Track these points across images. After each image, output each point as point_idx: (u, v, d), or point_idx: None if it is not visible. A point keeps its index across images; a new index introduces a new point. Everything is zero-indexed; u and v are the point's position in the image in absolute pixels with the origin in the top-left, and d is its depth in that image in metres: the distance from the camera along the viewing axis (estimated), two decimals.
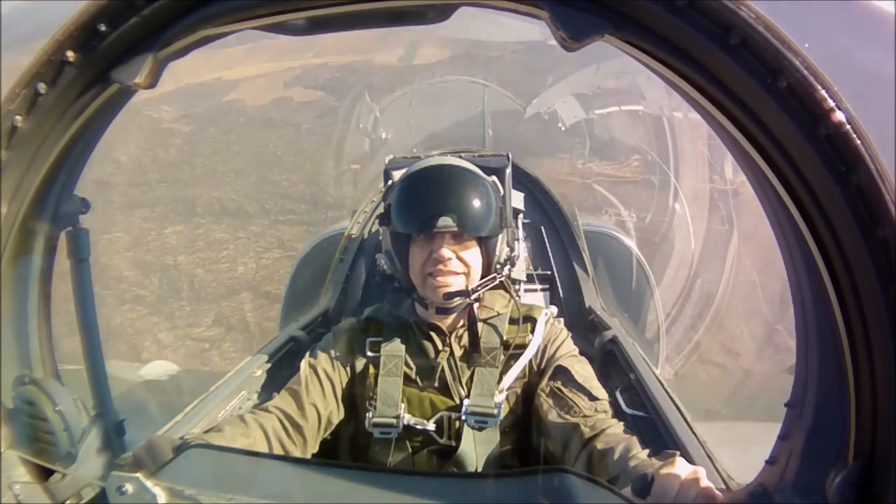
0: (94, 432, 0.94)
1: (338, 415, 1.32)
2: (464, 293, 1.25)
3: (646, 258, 2.93)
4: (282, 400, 1.26)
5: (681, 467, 0.79)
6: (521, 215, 2.07)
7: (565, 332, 1.37)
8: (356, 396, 1.33)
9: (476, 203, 1.25)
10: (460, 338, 1.32)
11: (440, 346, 1.31)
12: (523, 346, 1.29)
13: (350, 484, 0.78)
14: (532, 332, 1.31)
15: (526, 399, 1.30)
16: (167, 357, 6.45)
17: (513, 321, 1.34)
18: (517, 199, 2.03)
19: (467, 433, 1.24)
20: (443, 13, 0.75)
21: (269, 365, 1.72)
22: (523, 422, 1.30)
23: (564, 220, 2.72)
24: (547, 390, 1.24)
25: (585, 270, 2.50)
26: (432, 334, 1.31)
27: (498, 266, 1.33)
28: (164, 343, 6.68)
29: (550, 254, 2.57)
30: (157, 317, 7.01)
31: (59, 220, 0.90)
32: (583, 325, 2.21)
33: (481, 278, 1.30)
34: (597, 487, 0.74)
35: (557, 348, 1.31)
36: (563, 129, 7.13)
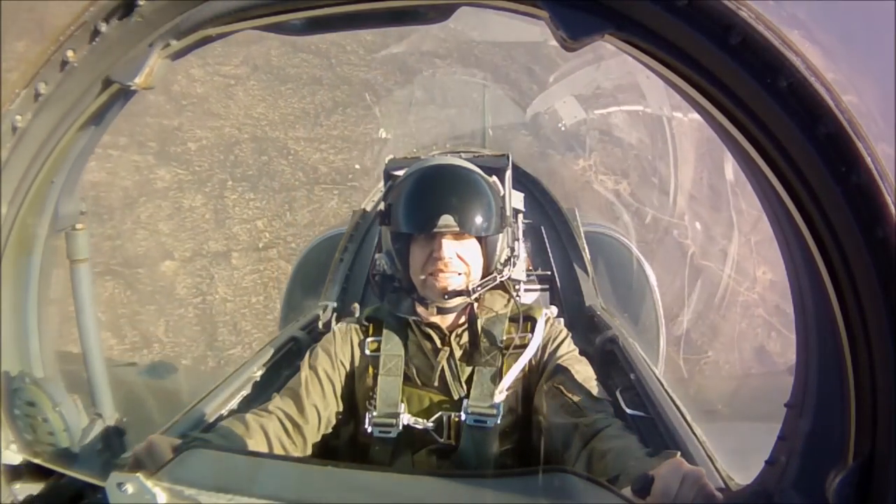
0: (94, 432, 0.94)
1: (338, 415, 1.32)
2: (464, 293, 1.25)
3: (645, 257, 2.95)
4: (282, 400, 1.26)
5: (681, 467, 0.79)
6: (521, 215, 2.07)
7: (565, 332, 1.37)
8: (356, 396, 1.33)
9: (477, 203, 1.25)
10: (460, 337, 1.31)
11: (440, 346, 1.31)
12: (523, 346, 1.29)
13: (350, 484, 0.78)
14: (532, 331, 1.31)
15: (526, 399, 1.30)
16: (196, 90, 6.88)
17: (513, 321, 1.34)
18: (517, 200, 2.03)
19: (467, 433, 1.23)
20: (443, 13, 0.76)
21: (269, 365, 1.72)
22: (523, 422, 1.30)
23: (564, 220, 2.72)
24: (547, 390, 1.24)
25: (585, 270, 2.49)
26: (432, 334, 1.31)
27: (498, 266, 1.33)
28: (194, 77, 7.05)
29: (550, 254, 2.57)
30: (191, 56, 7.42)
31: (59, 220, 0.89)
32: (583, 325, 2.21)
33: (481, 278, 1.30)
34: (597, 487, 0.74)
35: (557, 348, 1.31)
36: (563, 129, 7.16)
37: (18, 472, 0.84)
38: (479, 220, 1.24)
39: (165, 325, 5.24)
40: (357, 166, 6.54)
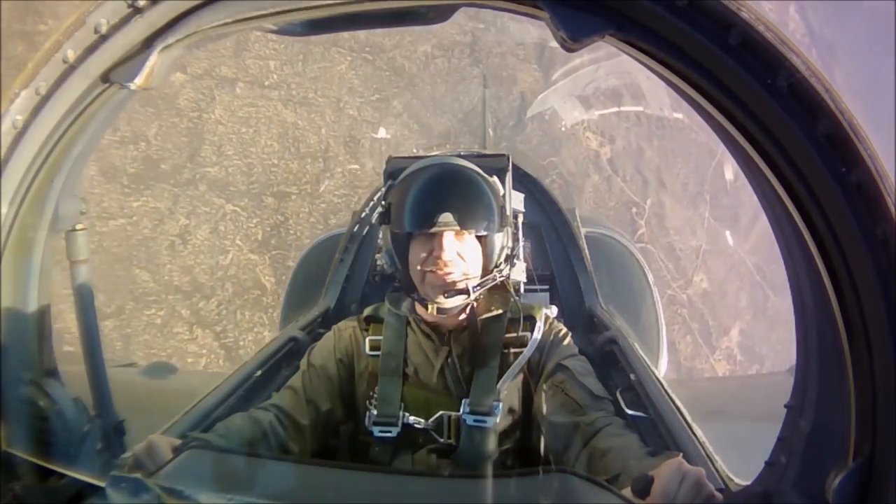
0: (94, 432, 0.93)
1: (337, 414, 1.32)
2: (464, 292, 1.25)
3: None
4: (281, 400, 1.27)
5: (681, 467, 0.79)
6: (521, 215, 2.07)
7: (565, 331, 1.37)
8: (356, 396, 1.34)
9: (477, 201, 1.25)
10: (460, 336, 1.32)
11: (440, 345, 1.31)
12: (523, 346, 1.29)
13: (350, 484, 0.78)
14: (532, 331, 1.31)
15: (526, 398, 1.30)
16: None
17: (512, 321, 1.34)
18: (518, 200, 2.03)
19: (467, 432, 1.23)
20: (443, 13, 0.76)
21: (269, 365, 1.72)
22: (523, 421, 1.30)
23: (564, 221, 2.72)
24: (546, 389, 1.24)
25: (585, 271, 2.49)
26: (432, 333, 1.31)
27: (499, 265, 1.33)
28: None
29: (550, 254, 2.57)
30: None
31: (59, 220, 0.89)
32: (583, 325, 2.21)
33: (481, 277, 1.30)
34: (597, 487, 0.74)
35: (557, 348, 1.31)
36: (563, 129, 7.16)
37: (18, 472, 0.84)
38: (479, 218, 1.24)
39: (157, 128, 5.43)
40: (376, 40, 6.48)
